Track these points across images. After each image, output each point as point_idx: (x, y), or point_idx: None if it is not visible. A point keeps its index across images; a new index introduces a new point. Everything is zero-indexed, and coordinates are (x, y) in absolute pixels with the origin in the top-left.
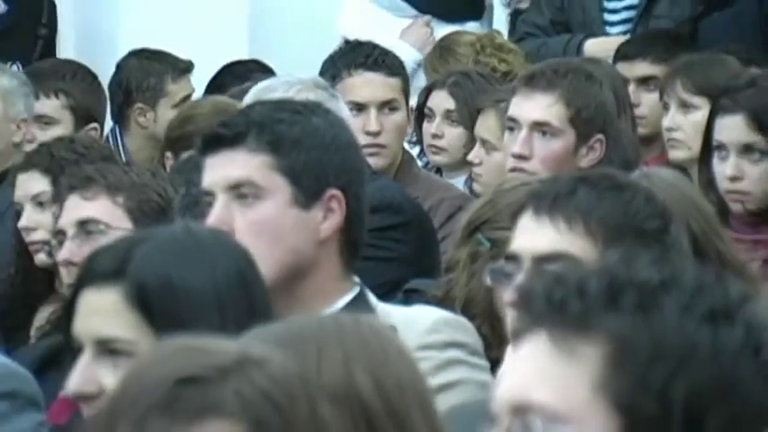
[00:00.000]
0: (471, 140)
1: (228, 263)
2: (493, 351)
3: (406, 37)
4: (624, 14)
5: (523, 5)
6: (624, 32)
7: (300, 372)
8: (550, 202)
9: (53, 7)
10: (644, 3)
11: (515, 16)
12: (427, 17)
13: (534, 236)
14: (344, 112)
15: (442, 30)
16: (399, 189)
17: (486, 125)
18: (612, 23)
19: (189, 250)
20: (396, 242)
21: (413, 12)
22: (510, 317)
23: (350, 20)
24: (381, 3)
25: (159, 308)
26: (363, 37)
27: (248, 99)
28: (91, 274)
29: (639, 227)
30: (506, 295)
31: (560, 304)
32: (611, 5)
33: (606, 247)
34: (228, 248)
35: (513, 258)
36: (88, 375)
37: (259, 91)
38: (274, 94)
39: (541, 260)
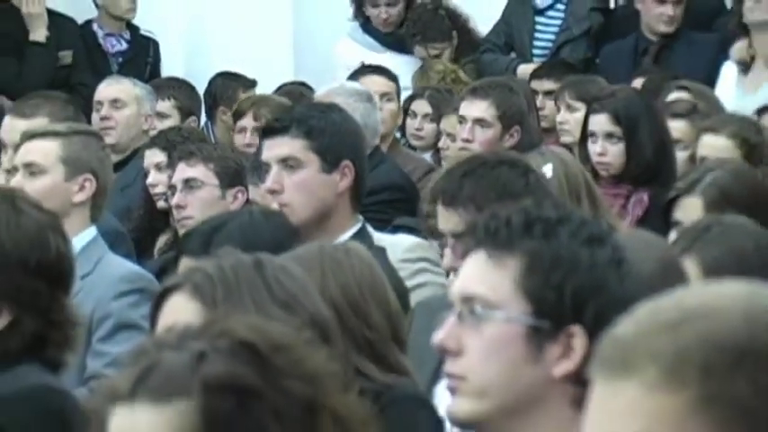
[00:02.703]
0: (439, 133)
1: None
2: None
3: None
4: (543, 49)
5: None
6: (543, 60)
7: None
8: (450, 197)
9: (156, 45)
10: (555, 47)
11: None
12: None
13: (447, 221)
14: (377, 113)
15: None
16: (400, 172)
17: (450, 123)
18: (536, 55)
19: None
20: (397, 210)
21: (379, 46)
22: (446, 256)
23: (341, 52)
24: (359, 41)
25: None
26: (352, 62)
27: (316, 97)
28: (185, 248)
29: (509, 191)
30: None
31: (494, 232)
32: (536, 44)
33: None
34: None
35: (441, 235)
36: None
37: (324, 94)
38: (331, 98)
39: (455, 236)
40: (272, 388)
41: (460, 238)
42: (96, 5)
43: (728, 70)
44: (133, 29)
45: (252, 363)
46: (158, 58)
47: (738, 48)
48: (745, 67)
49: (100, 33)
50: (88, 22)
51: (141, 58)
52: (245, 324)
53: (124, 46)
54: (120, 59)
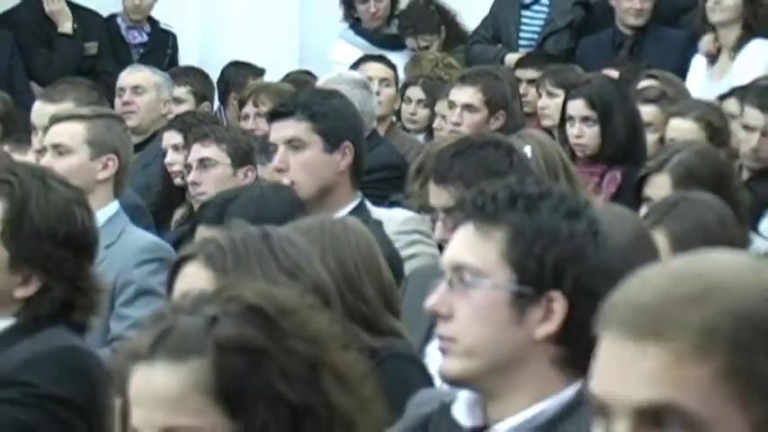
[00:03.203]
0: (433, 116)
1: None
2: None
3: None
4: (529, 40)
5: None
6: (529, 50)
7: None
8: (441, 176)
9: (175, 37)
10: (540, 38)
11: None
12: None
13: (438, 197)
14: (373, 99)
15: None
16: (396, 152)
17: (444, 106)
18: (522, 45)
19: (258, 205)
20: (392, 187)
21: (370, 45)
22: (438, 229)
23: (336, 53)
24: (351, 41)
25: None
26: (347, 62)
27: (318, 84)
28: (201, 218)
29: (495, 170)
30: (437, 229)
31: (481, 207)
32: (522, 35)
33: None
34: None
35: (433, 210)
36: None
37: (324, 82)
38: (331, 85)
39: (445, 211)
40: (279, 348)
41: (451, 213)
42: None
43: (698, 62)
44: (153, 23)
45: (260, 325)
46: (176, 50)
47: (706, 41)
48: (712, 58)
49: (123, 26)
50: (113, 16)
51: (161, 49)
52: (253, 290)
53: (145, 38)
54: (142, 50)
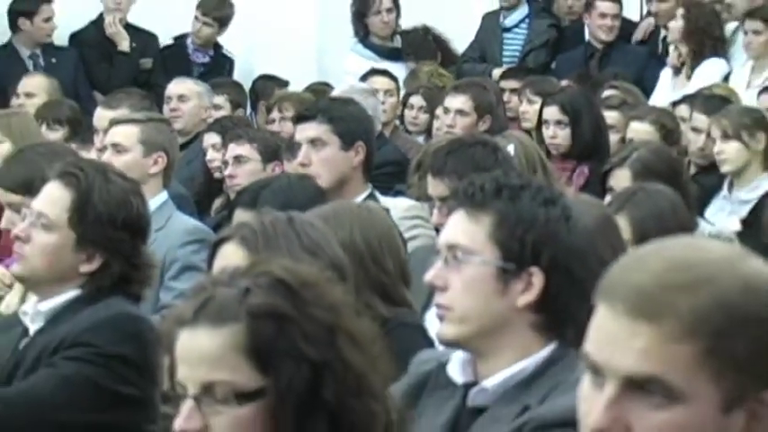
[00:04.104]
0: (432, 120)
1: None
2: None
3: None
4: (511, 57)
5: None
6: (510, 65)
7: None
8: (437, 170)
9: (232, 62)
10: (521, 55)
11: None
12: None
13: (435, 188)
14: (380, 106)
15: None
16: (399, 151)
17: (440, 112)
18: (505, 62)
19: (287, 191)
20: (396, 180)
21: (377, 57)
22: (435, 215)
23: (349, 64)
24: (361, 54)
25: None
26: (358, 71)
27: (335, 93)
28: (238, 202)
29: (483, 165)
30: (434, 215)
31: (471, 195)
32: (505, 53)
33: None
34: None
35: (431, 199)
36: None
37: (340, 92)
38: (345, 95)
39: (441, 199)
40: (302, 314)
41: (446, 201)
42: (195, 19)
43: (665, 74)
44: (217, 47)
45: (286, 295)
46: (232, 73)
47: (672, 56)
48: (676, 70)
49: (191, 47)
50: (184, 36)
51: (219, 71)
52: (280, 266)
53: (207, 59)
54: (202, 69)
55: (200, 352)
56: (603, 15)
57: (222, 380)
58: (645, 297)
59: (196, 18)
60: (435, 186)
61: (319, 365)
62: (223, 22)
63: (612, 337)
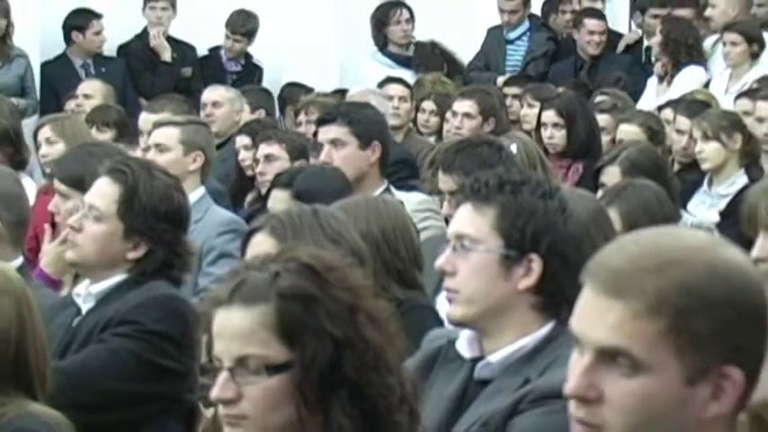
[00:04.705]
0: (442, 123)
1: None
2: None
3: None
4: (513, 67)
5: None
6: (512, 74)
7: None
8: (447, 166)
9: (261, 70)
10: (523, 65)
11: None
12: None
13: (445, 183)
14: (386, 104)
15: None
16: (408, 151)
17: (449, 116)
18: (507, 70)
19: (319, 177)
20: (411, 178)
21: (395, 65)
22: (445, 207)
23: (368, 70)
24: (380, 61)
25: (306, 203)
26: (376, 77)
27: (348, 96)
28: (276, 183)
29: (488, 162)
30: (444, 207)
31: (477, 190)
32: (508, 63)
33: None
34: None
35: (440, 192)
36: None
37: (352, 96)
38: (358, 98)
39: (450, 193)
40: (326, 296)
41: (454, 195)
42: (226, 37)
43: (651, 81)
44: (248, 57)
45: (311, 278)
46: (261, 80)
47: (657, 65)
48: (660, 78)
49: (224, 57)
50: (217, 48)
51: (249, 78)
52: (306, 252)
53: (239, 68)
54: (234, 77)
55: (234, 329)
56: (591, 32)
57: (254, 353)
58: (618, 277)
59: (227, 36)
60: (445, 181)
61: (341, 342)
62: (250, 34)
63: (590, 312)
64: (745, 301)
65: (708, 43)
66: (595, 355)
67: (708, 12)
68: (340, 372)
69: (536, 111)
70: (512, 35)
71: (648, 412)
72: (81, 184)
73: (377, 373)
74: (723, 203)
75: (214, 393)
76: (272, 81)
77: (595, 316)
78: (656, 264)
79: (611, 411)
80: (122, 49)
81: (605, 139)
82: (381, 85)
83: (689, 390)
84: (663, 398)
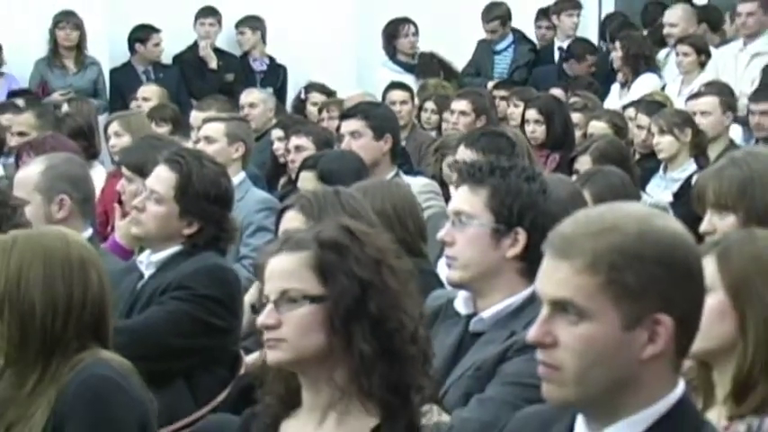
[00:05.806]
0: (441, 120)
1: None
2: None
3: None
4: (501, 74)
5: None
6: (499, 79)
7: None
8: (470, 142)
9: (285, 69)
10: (509, 72)
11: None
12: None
13: (464, 155)
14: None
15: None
16: (403, 146)
17: (447, 115)
18: (495, 77)
19: (340, 160)
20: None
21: (403, 71)
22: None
23: (380, 75)
24: (390, 68)
25: (329, 181)
26: (387, 79)
27: (349, 97)
28: (304, 165)
29: (502, 151)
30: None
31: (472, 173)
32: (496, 70)
33: None
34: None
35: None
36: None
37: (350, 98)
38: (357, 99)
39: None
40: (356, 246)
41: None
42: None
43: (615, 87)
44: (272, 59)
45: (347, 235)
46: (286, 77)
47: (619, 75)
48: (622, 84)
49: (250, 59)
50: (247, 53)
51: (274, 76)
52: (345, 221)
53: (265, 68)
54: (262, 76)
55: (280, 269)
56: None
57: (295, 287)
58: (566, 242)
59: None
60: (465, 153)
61: (366, 284)
62: (256, 28)
63: (546, 272)
64: (674, 260)
65: (661, 55)
66: (549, 307)
67: (666, 30)
68: (364, 308)
69: (521, 110)
70: (498, 47)
71: (594, 353)
72: (143, 171)
73: (394, 313)
74: (676, 186)
75: (260, 320)
76: (296, 85)
77: (549, 275)
78: (595, 229)
79: (564, 353)
80: (177, 58)
81: (578, 133)
82: (386, 90)
83: (627, 334)
84: (605, 341)
